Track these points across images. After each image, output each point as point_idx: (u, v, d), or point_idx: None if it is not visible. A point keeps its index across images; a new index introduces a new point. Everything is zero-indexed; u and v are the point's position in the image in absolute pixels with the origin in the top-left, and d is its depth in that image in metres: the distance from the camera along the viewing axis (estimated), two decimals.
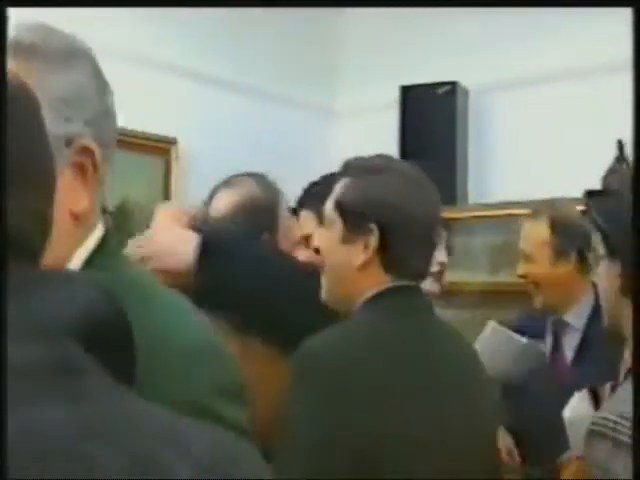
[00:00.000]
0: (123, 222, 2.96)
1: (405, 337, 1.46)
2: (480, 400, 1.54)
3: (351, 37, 4.61)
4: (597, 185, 3.41)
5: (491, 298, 3.45)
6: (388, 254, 1.50)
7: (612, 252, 1.51)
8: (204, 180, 3.83)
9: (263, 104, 4.19)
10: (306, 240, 2.00)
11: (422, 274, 1.57)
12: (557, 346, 2.56)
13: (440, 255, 2.51)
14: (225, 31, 4.00)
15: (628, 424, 1.37)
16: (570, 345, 2.52)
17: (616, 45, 3.64)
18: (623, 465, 1.36)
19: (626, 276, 1.44)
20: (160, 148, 3.83)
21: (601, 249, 1.55)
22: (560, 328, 2.55)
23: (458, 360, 1.54)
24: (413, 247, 1.52)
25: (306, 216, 2.11)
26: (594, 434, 1.40)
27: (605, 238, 1.54)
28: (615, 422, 1.38)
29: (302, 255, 2.00)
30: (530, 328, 2.56)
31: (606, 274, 1.53)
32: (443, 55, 4.21)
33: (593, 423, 1.41)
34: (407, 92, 4.11)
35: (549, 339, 2.59)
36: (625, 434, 1.37)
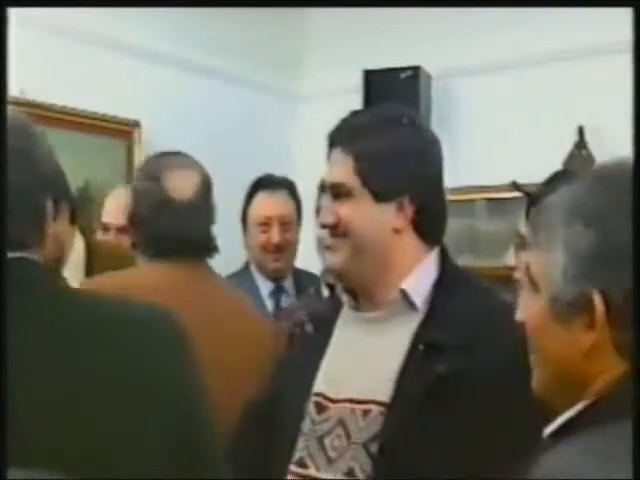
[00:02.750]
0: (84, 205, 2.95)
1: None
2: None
3: (316, 21, 4.60)
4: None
5: None
6: None
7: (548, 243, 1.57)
8: None
9: (227, 87, 4.17)
10: None
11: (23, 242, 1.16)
12: None
13: None
14: (191, 15, 3.97)
15: None
16: None
17: (579, 32, 3.69)
18: None
19: None
20: (123, 131, 3.80)
21: (530, 239, 1.62)
22: None
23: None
24: None
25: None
26: None
27: (535, 230, 1.61)
28: None
29: None
30: None
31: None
32: (406, 40, 4.22)
33: None
34: (370, 76, 4.12)
35: None
36: None
